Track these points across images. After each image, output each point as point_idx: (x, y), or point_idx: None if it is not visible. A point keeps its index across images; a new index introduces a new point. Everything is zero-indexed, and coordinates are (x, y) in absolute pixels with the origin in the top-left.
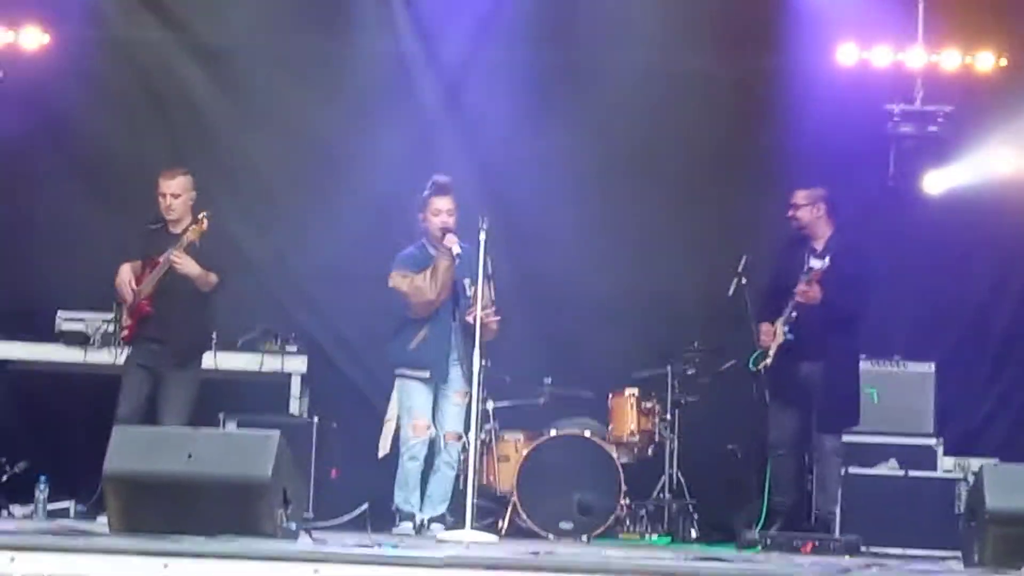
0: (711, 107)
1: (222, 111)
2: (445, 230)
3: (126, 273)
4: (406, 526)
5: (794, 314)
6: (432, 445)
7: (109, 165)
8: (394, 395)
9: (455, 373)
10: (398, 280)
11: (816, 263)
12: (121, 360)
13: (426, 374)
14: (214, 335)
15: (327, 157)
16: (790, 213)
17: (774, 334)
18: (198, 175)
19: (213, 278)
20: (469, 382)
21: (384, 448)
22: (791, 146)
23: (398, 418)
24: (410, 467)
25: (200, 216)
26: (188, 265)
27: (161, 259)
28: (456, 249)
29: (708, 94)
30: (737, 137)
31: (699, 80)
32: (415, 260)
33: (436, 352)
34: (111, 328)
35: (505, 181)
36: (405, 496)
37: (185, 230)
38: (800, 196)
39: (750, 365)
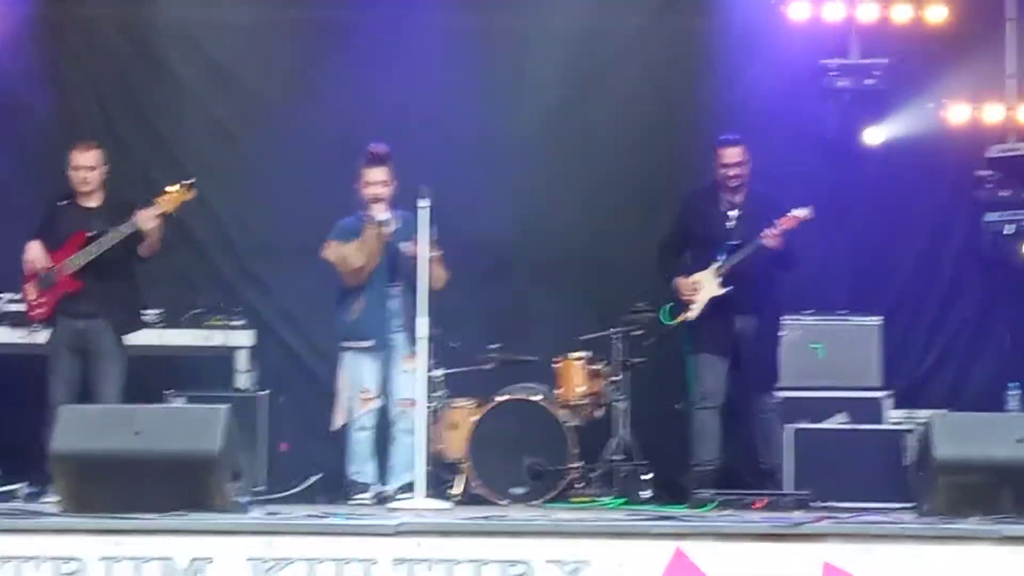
0: (650, 64)
1: (157, 86)
2: (375, 200)
3: (37, 250)
4: (361, 498)
5: (731, 263)
6: (384, 414)
7: (43, 144)
8: (341, 368)
9: (400, 339)
10: (329, 251)
11: (799, 211)
12: (30, 339)
13: (370, 343)
14: (160, 312)
15: (265, 129)
16: (731, 172)
17: (695, 287)
18: (134, 150)
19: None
20: (410, 345)
21: (337, 422)
22: (730, 102)
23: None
24: (359, 438)
25: (186, 183)
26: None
27: (94, 233)
28: (380, 217)
29: (647, 51)
30: (677, 95)
31: (637, 37)
32: (349, 230)
33: (376, 320)
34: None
35: (443, 148)
36: (358, 468)
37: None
38: (737, 154)
39: (664, 319)
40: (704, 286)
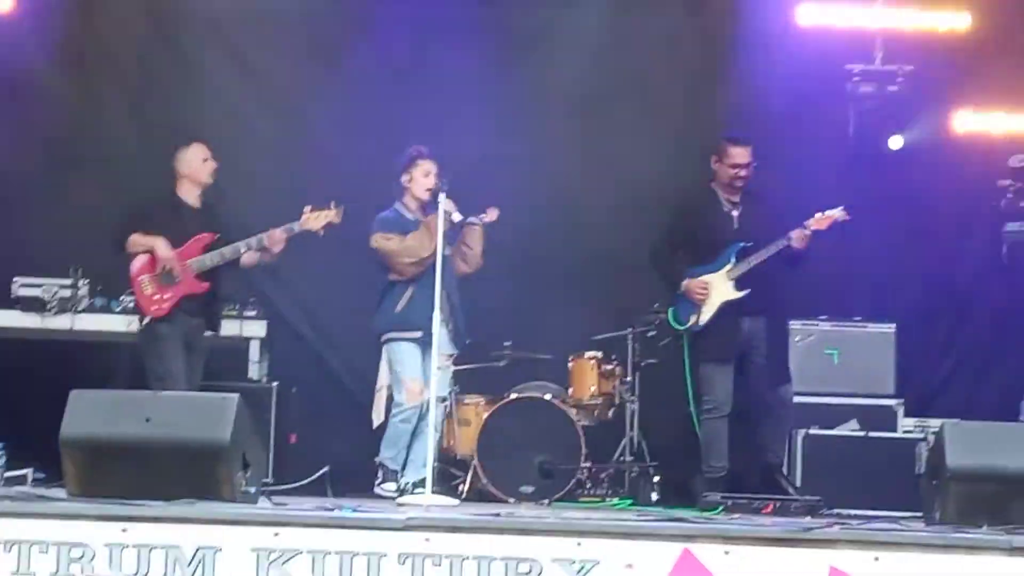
0: (671, 66)
1: (182, 72)
2: (430, 192)
3: (166, 247)
4: (389, 486)
5: (747, 265)
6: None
7: (70, 131)
8: (383, 363)
9: (442, 334)
10: (382, 242)
11: (832, 212)
12: (78, 327)
13: (418, 334)
14: None
15: (286, 118)
16: (741, 173)
17: (707, 290)
18: (157, 136)
19: None
20: (454, 344)
21: (378, 418)
22: (753, 106)
23: (388, 386)
24: (403, 429)
25: (334, 208)
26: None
27: (219, 237)
28: (457, 216)
29: (668, 53)
30: (702, 97)
31: (660, 40)
32: (395, 223)
33: (425, 311)
34: (67, 294)
35: (462, 144)
36: (394, 455)
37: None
38: (747, 154)
39: (673, 323)
40: (716, 288)
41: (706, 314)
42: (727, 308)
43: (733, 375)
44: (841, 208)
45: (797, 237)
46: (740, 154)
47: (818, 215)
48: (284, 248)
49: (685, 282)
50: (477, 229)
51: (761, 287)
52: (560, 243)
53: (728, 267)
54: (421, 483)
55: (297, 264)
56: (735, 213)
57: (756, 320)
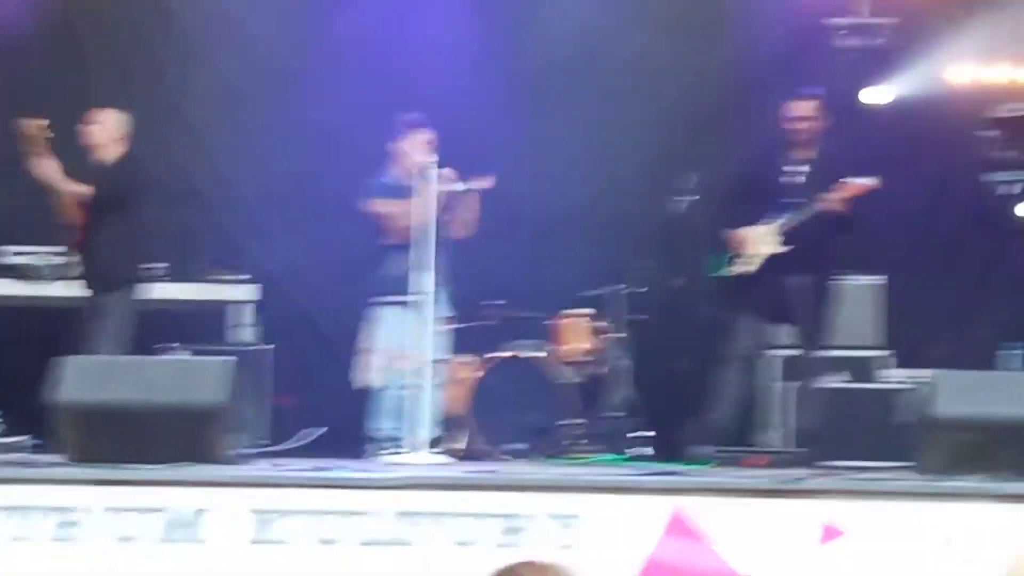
0: (661, 24)
1: (170, 40)
2: (427, 160)
3: None
4: (404, 452)
5: (794, 222)
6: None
7: (55, 98)
8: (371, 325)
9: (440, 297)
10: (388, 206)
11: (864, 180)
12: (73, 294)
13: (415, 298)
14: (164, 266)
15: (276, 84)
16: (798, 127)
17: (756, 241)
18: (143, 104)
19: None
20: (452, 306)
21: (365, 379)
22: (739, 60)
23: (376, 349)
24: (402, 396)
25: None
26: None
27: None
28: (460, 186)
29: (658, 10)
30: (687, 54)
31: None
32: (392, 189)
33: (422, 275)
34: (61, 261)
35: (458, 105)
36: (394, 424)
37: None
38: (807, 108)
39: (716, 270)
40: (764, 241)
41: (754, 264)
42: (769, 265)
43: (765, 329)
44: (873, 178)
45: (829, 200)
46: (794, 108)
47: (850, 182)
48: None
49: (733, 232)
50: (474, 195)
51: (808, 246)
52: (550, 199)
53: (781, 221)
54: (433, 442)
55: (287, 226)
56: (802, 169)
57: (802, 279)
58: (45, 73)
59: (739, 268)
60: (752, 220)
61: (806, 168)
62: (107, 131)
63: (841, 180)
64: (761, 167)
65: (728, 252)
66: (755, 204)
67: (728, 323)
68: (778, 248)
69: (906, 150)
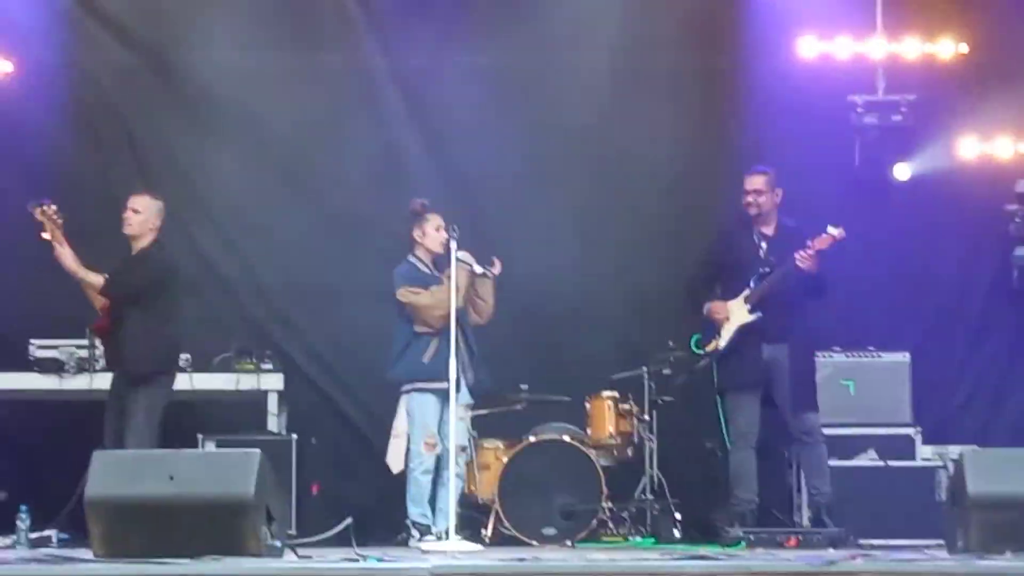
0: (676, 104)
1: (189, 130)
2: (444, 244)
3: None
4: (429, 539)
5: (761, 291)
6: (438, 459)
7: (76, 191)
8: (401, 411)
9: (465, 383)
10: (412, 296)
11: (833, 230)
12: (96, 387)
13: (444, 385)
14: (189, 356)
15: (295, 172)
16: (750, 199)
17: (728, 314)
18: (165, 194)
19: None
20: (473, 395)
21: (397, 465)
22: (758, 140)
23: (407, 434)
24: (424, 481)
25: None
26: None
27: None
28: (478, 268)
29: (673, 92)
30: (704, 133)
31: (663, 78)
32: (417, 277)
33: (447, 362)
34: (84, 354)
35: (473, 188)
36: (422, 511)
37: None
38: (759, 182)
39: (695, 349)
40: (734, 314)
41: (724, 338)
42: (746, 334)
43: (758, 405)
44: (840, 227)
45: (801, 258)
46: (749, 182)
47: (821, 235)
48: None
49: (707, 305)
50: (489, 280)
51: (781, 314)
52: (572, 284)
53: (746, 292)
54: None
55: (310, 314)
56: (764, 244)
57: (778, 347)
58: (65, 161)
59: (713, 344)
60: (724, 296)
61: (766, 244)
62: (146, 220)
63: (807, 241)
64: (730, 243)
65: (701, 331)
66: (726, 280)
67: (723, 402)
68: (747, 318)
69: (929, 226)
